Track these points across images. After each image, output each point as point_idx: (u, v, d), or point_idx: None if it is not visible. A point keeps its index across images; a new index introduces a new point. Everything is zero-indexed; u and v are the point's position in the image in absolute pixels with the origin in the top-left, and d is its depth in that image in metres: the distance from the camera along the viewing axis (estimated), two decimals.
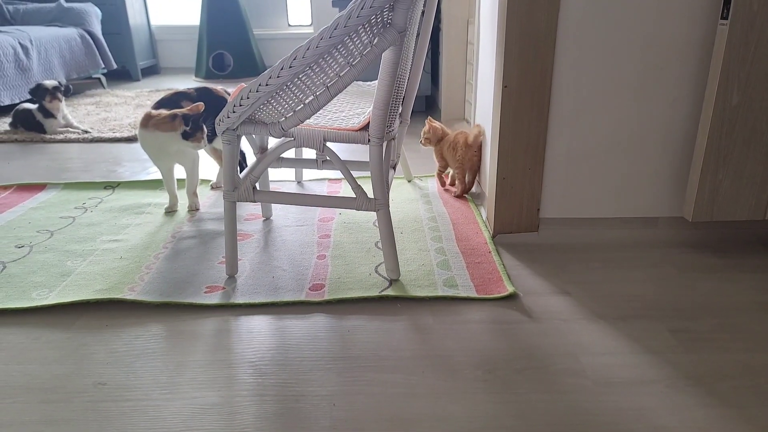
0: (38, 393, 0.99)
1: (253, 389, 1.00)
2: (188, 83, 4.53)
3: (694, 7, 1.33)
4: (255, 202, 1.34)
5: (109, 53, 4.34)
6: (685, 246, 1.52)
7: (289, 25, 5.32)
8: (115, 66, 4.39)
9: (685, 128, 1.45)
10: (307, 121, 1.33)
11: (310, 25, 5.28)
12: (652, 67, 1.39)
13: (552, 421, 0.92)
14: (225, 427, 0.92)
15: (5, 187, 2.04)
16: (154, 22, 5.18)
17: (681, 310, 1.23)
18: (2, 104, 3.21)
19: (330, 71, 1.14)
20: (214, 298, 1.28)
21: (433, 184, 2.02)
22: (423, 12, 1.61)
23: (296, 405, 0.97)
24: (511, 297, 1.28)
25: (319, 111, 1.22)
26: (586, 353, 1.08)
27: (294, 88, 1.16)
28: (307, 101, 1.19)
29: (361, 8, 1.05)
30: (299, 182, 2.08)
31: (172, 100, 1.77)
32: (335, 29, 1.06)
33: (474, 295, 1.28)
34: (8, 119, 3.02)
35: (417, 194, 1.93)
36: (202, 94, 1.82)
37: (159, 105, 1.75)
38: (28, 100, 3.03)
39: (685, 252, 1.49)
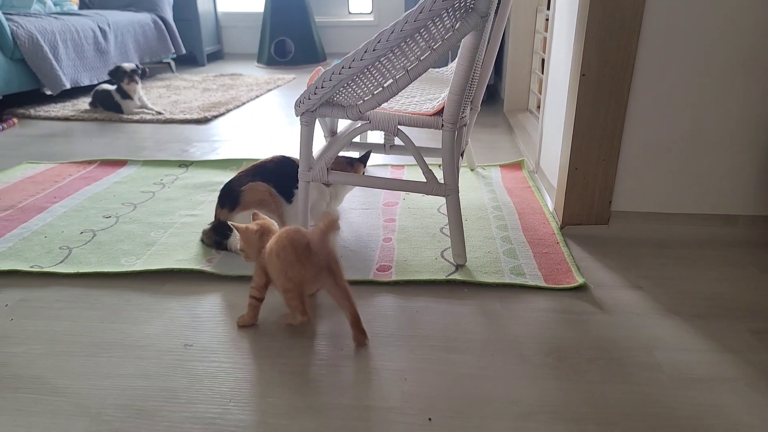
0: (132, 349, 1.07)
1: (327, 360, 1.04)
2: (250, 69, 4.65)
3: None
4: (329, 183, 1.37)
5: (180, 39, 4.51)
6: (767, 246, 1.45)
7: (350, 12, 5.37)
8: (184, 51, 4.56)
9: None
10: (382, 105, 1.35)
11: (371, 13, 5.30)
12: (741, 58, 1.33)
13: (626, 411, 0.92)
14: (301, 393, 0.96)
15: (90, 162, 2.18)
16: (220, 9, 5.34)
17: (763, 311, 1.18)
18: (82, 84, 3.40)
19: (411, 55, 1.16)
20: None
21: (497, 174, 2.01)
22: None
23: (369, 377, 1.00)
24: (581, 288, 1.26)
25: (396, 95, 1.24)
26: (661, 348, 1.06)
27: (374, 71, 1.18)
28: (386, 84, 1.21)
29: None
30: None
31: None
32: (420, 13, 1.08)
33: (542, 284, 1.28)
34: (88, 99, 3.20)
35: (480, 183, 1.92)
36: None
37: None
38: (106, 81, 3.20)
39: None
